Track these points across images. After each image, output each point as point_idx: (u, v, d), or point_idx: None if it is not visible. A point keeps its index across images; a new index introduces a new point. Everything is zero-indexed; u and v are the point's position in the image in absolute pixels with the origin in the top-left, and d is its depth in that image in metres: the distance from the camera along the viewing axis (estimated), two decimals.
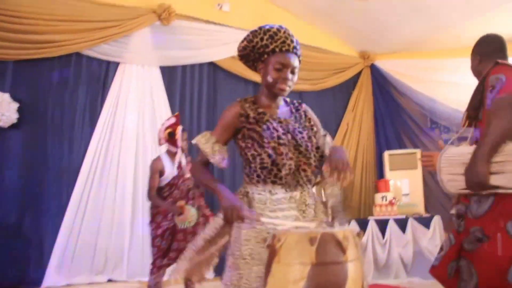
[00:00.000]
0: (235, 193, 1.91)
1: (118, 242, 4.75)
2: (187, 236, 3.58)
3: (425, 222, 5.09)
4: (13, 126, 4.39)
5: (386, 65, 6.65)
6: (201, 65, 5.61)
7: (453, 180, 1.93)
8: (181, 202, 3.61)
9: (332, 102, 6.50)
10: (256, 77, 5.93)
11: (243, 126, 1.94)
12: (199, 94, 5.59)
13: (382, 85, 6.62)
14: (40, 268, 4.39)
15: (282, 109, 2.03)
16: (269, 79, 1.94)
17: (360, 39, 6.60)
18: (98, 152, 4.80)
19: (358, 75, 6.71)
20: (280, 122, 1.98)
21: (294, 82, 1.98)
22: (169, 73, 5.37)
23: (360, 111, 6.56)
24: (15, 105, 4.38)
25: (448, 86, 6.02)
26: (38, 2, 4.62)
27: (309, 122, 2.06)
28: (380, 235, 5.13)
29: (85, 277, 4.59)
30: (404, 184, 5.76)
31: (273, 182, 1.91)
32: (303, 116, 2.07)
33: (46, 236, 4.44)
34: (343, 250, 1.38)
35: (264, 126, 1.93)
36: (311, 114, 2.11)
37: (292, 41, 1.94)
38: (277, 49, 1.93)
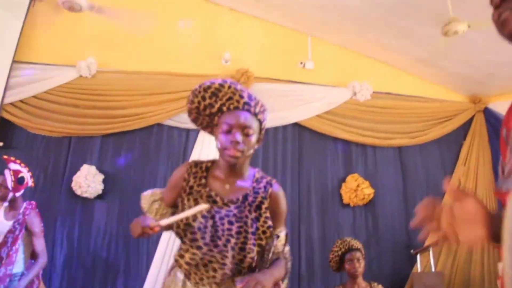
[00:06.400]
0: None
1: None
2: None
3: None
4: (98, 197, 4.60)
5: (502, 107, 5.60)
6: (284, 126, 5.39)
7: None
8: None
9: (438, 156, 5.67)
10: (345, 134, 5.57)
11: (183, 191, 1.70)
12: (283, 156, 5.31)
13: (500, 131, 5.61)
14: None
15: (238, 184, 1.69)
16: (217, 144, 1.66)
17: (467, 82, 5.80)
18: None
19: (469, 122, 5.83)
20: (213, 201, 1.65)
21: (251, 146, 1.63)
22: None
23: (474, 163, 5.60)
24: (101, 177, 4.60)
25: None
26: (125, 79, 4.96)
27: (262, 213, 1.66)
28: None
29: None
30: None
31: (179, 266, 1.70)
32: (259, 203, 1.67)
33: None
34: None
35: (188, 202, 1.67)
36: (277, 203, 1.71)
37: (241, 96, 1.65)
38: (224, 108, 1.66)
